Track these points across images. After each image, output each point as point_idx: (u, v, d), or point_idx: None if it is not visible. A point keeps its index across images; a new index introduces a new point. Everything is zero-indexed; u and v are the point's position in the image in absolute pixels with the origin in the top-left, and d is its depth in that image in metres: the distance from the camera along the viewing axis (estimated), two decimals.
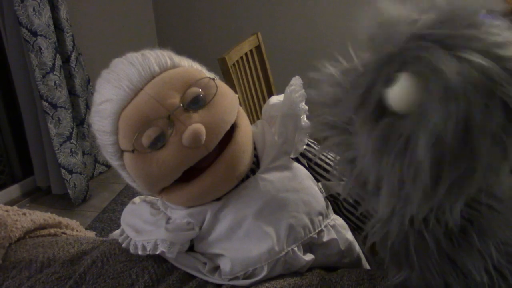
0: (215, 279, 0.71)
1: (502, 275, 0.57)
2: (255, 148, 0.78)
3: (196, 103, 0.69)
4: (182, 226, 0.72)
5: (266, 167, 0.76)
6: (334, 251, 0.75)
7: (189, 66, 0.77)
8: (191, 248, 0.75)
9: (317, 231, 0.73)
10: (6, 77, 2.39)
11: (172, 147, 0.67)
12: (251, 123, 0.80)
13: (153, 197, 0.82)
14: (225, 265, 0.71)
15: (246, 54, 1.86)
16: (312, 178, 0.79)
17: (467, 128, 0.41)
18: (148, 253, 0.70)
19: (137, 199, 0.83)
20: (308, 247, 0.73)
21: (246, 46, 1.86)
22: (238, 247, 0.71)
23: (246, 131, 0.74)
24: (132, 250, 0.72)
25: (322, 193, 0.78)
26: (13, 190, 2.52)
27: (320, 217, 0.74)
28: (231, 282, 0.70)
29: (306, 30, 2.96)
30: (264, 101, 1.66)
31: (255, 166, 0.77)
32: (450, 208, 0.50)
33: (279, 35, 2.95)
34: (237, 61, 1.76)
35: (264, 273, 0.69)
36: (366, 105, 0.48)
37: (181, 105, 0.68)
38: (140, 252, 0.71)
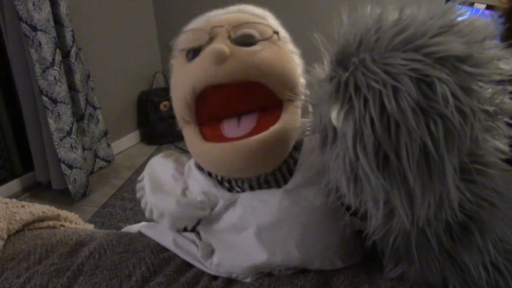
0: (207, 265, 0.71)
1: (499, 271, 0.57)
2: (293, 159, 0.71)
3: (243, 39, 0.67)
4: (194, 203, 0.71)
5: (295, 185, 0.69)
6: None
7: (273, 25, 0.74)
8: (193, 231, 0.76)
9: (316, 267, 0.69)
10: (6, 72, 2.38)
11: (198, 59, 0.66)
12: None
13: (183, 159, 0.80)
14: (214, 258, 0.71)
15: None
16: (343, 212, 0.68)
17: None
18: (154, 218, 0.73)
19: (169, 152, 0.82)
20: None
21: None
22: (229, 251, 0.70)
23: (286, 129, 0.67)
24: (142, 205, 0.74)
25: (346, 228, 0.70)
26: (13, 185, 2.53)
27: (325, 257, 0.69)
28: (217, 274, 0.71)
29: (307, 27, 2.95)
30: None
31: (284, 176, 0.71)
32: (447, 199, 0.51)
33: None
34: None
35: (247, 280, 0.69)
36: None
37: (229, 33, 0.67)
38: (146, 214, 0.73)
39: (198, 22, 0.73)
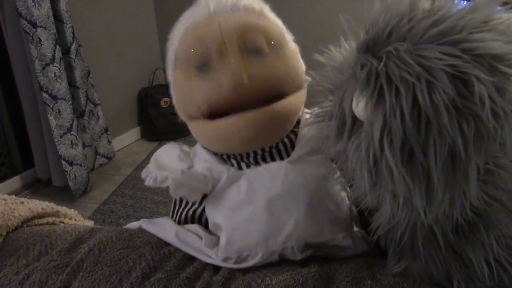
0: (211, 254, 0.71)
1: (502, 266, 0.57)
2: (295, 134, 0.75)
3: (254, 51, 0.69)
4: (197, 176, 0.74)
5: (298, 157, 0.73)
6: (344, 255, 0.73)
7: (272, 21, 0.75)
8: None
9: (326, 239, 0.71)
10: (6, 69, 2.38)
11: (211, 80, 0.68)
12: None
13: (189, 148, 0.83)
14: (222, 239, 0.71)
15: None
16: (346, 186, 0.74)
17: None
18: (157, 185, 0.73)
19: (174, 143, 0.85)
20: (315, 244, 0.71)
21: None
22: (239, 227, 0.71)
23: (290, 105, 0.71)
24: (146, 182, 0.75)
25: (351, 203, 0.74)
26: (14, 182, 2.53)
27: (337, 228, 0.71)
28: (223, 264, 0.70)
29: (308, 23, 2.94)
30: None
31: (287, 153, 0.75)
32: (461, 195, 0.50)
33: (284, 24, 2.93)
34: None
35: (256, 260, 0.69)
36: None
37: (240, 45, 0.68)
38: (151, 183, 0.74)
39: (201, 18, 0.71)
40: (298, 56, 0.76)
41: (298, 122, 0.76)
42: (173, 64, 0.76)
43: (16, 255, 0.76)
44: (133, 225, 0.87)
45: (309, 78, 0.74)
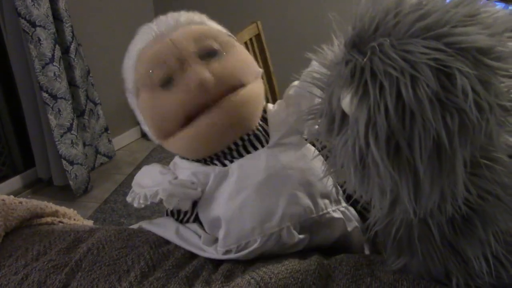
0: (211, 251, 0.72)
1: (500, 262, 0.57)
2: (266, 122, 0.81)
3: (210, 54, 0.74)
4: (185, 183, 0.76)
5: (275, 142, 0.77)
6: (337, 234, 0.75)
7: (215, 27, 0.82)
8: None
9: (320, 213, 0.73)
10: (5, 68, 2.38)
11: (180, 89, 0.72)
12: None
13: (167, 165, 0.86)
14: (220, 233, 0.72)
15: (246, 43, 1.84)
16: (324, 161, 0.77)
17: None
18: (148, 202, 0.74)
19: (148, 165, 0.87)
20: (309, 226, 0.73)
21: (246, 35, 1.85)
22: (234, 216, 0.71)
23: (253, 91, 0.77)
24: (135, 203, 0.76)
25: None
26: (15, 182, 2.52)
27: (326, 200, 0.74)
28: (225, 257, 0.71)
29: (307, 19, 2.94)
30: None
31: (265, 140, 0.79)
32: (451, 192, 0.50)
33: (279, 23, 2.93)
34: None
35: (255, 245, 0.69)
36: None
37: (195, 51, 0.73)
38: (141, 201, 0.75)
39: (150, 41, 0.77)
40: (247, 53, 0.82)
41: (265, 111, 0.83)
42: (135, 92, 0.79)
43: (15, 255, 0.76)
44: (133, 227, 0.87)
45: (261, 70, 0.83)
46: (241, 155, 0.77)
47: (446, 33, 0.47)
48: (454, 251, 0.57)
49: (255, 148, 0.77)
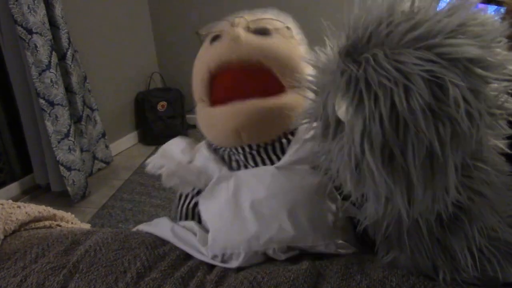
0: (204, 251, 0.73)
1: (484, 256, 0.58)
2: (288, 140, 0.77)
3: (262, 32, 0.77)
4: (191, 170, 0.79)
5: (286, 164, 0.74)
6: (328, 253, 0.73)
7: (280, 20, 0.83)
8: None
9: (308, 245, 0.72)
10: (2, 75, 2.39)
11: (217, 43, 0.77)
12: None
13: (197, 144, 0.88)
14: (209, 237, 0.73)
15: None
16: (335, 196, 0.74)
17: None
18: (156, 171, 0.81)
19: (183, 138, 0.90)
20: (298, 246, 0.72)
21: None
22: (224, 225, 0.72)
23: (285, 105, 0.75)
24: (150, 166, 0.83)
25: (339, 211, 0.74)
26: (13, 188, 2.53)
27: (319, 235, 0.71)
28: (211, 261, 0.72)
29: (305, 17, 2.94)
30: None
31: (277, 154, 0.77)
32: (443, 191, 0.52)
33: None
34: None
35: (239, 260, 0.70)
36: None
37: (248, 26, 0.77)
38: (152, 167, 0.82)
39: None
40: (303, 54, 0.80)
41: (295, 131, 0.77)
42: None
43: (14, 258, 0.77)
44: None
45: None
46: (248, 163, 0.77)
47: (438, 44, 0.49)
48: (441, 246, 0.59)
49: (269, 158, 0.77)
